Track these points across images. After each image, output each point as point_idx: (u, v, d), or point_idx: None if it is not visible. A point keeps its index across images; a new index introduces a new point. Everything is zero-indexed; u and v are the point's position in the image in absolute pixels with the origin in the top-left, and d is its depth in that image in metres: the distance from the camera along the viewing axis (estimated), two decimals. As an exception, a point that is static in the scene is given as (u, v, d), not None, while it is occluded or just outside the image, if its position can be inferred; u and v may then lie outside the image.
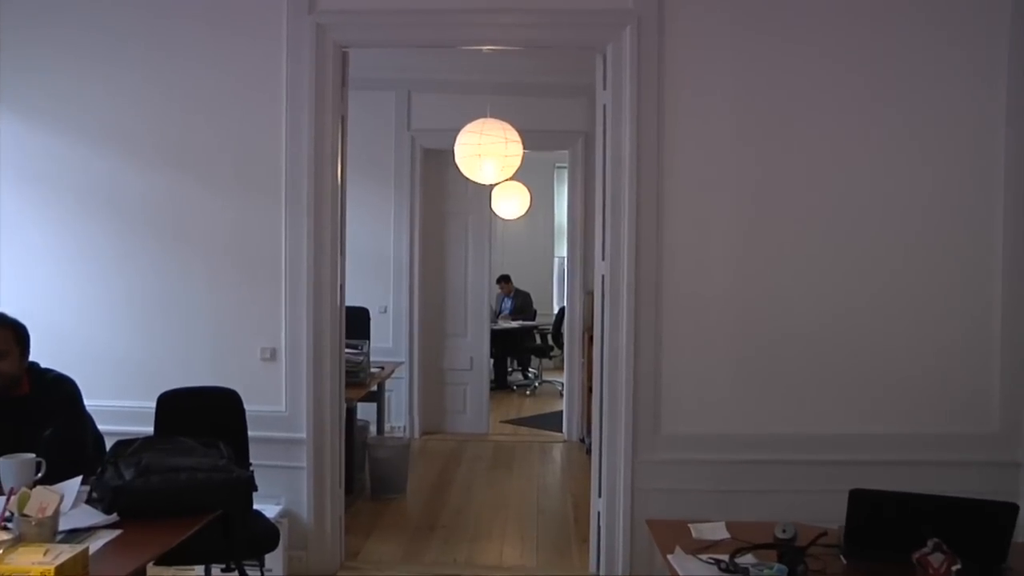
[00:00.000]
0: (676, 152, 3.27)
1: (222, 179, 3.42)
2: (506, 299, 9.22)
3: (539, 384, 8.67)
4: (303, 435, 3.41)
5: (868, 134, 3.25)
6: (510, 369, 9.28)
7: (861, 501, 1.95)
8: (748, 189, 3.27)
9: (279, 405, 3.41)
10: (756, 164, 3.26)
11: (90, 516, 2.04)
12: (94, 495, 2.13)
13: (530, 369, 9.26)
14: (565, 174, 6.51)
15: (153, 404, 2.96)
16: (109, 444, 2.45)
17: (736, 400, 3.30)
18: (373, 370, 4.74)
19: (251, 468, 2.67)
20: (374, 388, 4.78)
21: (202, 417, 2.88)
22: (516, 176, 5.44)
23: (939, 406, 3.25)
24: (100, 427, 2.68)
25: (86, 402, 2.58)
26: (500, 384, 8.49)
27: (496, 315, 8.94)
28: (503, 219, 8.49)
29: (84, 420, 2.53)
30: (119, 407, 3.31)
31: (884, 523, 1.93)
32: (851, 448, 3.26)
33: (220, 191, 3.42)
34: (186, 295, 3.45)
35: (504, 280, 9.09)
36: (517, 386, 8.65)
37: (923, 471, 3.14)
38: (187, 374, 3.30)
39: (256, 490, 2.44)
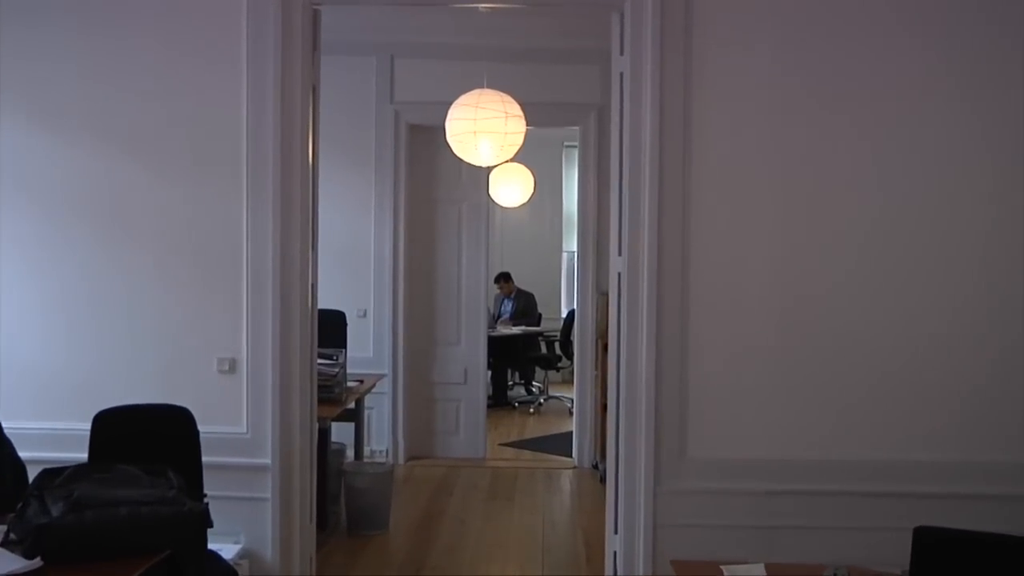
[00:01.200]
0: (706, 128, 3.26)
1: (172, 162, 3.41)
2: (506, 301, 9.22)
3: (544, 400, 8.67)
4: (267, 461, 3.40)
5: (939, 116, 3.24)
6: (511, 383, 9.28)
7: (928, 541, 1.92)
8: (793, 172, 3.26)
9: (239, 425, 3.40)
10: (803, 143, 3.25)
11: (7, 562, 2.00)
12: (12, 536, 2.10)
13: (534, 383, 9.26)
14: (575, 155, 6.49)
15: (88, 426, 2.94)
16: (33, 474, 2.41)
17: (777, 420, 3.28)
18: (350, 384, 4.73)
19: (205, 500, 2.65)
20: (351, 405, 4.77)
21: (147, 440, 2.86)
22: (518, 157, 5.42)
23: (1022, 432, 3.23)
24: (22, 454, 2.65)
25: (4, 424, 2.55)
26: (499, 400, 8.49)
27: (495, 319, 8.95)
28: (502, 207, 8.50)
29: (1, 446, 2.49)
30: (45, 430, 3.29)
31: (956, 568, 1.90)
32: (915, 478, 3.24)
33: (169, 176, 3.41)
34: (128, 297, 3.44)
35: (504, 279, 9.08)
36: (519, 403, 8.66)
37: (1002, 506, 3.12)
38: (129, 389, 3.29)
39: (211, 526, 2.42)
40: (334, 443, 4.70)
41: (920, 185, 3.24)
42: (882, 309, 3.26)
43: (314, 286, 3.56)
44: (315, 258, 3.58)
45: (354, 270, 5.93)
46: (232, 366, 3.40)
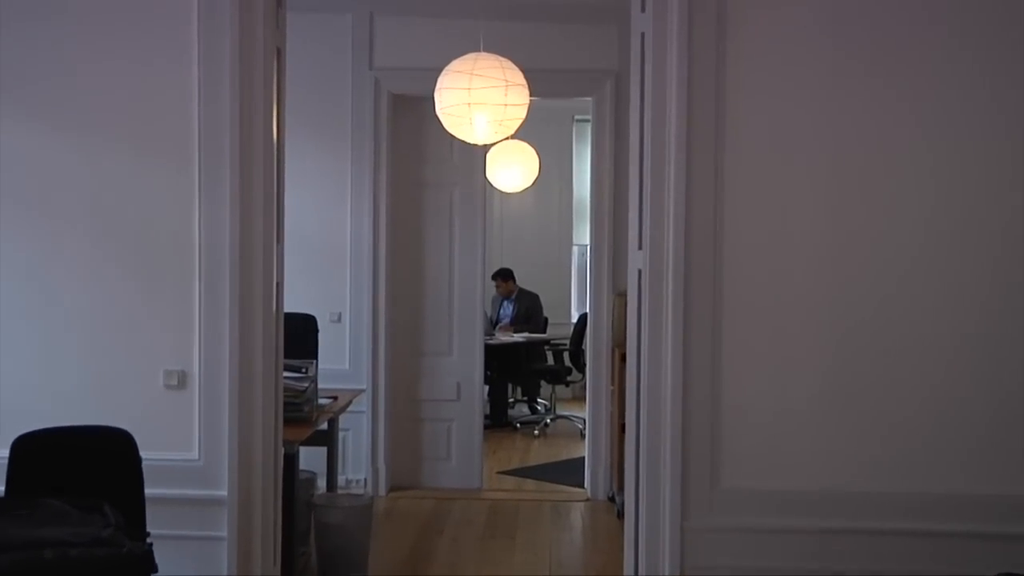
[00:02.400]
0: (742, 98, 3.25)
1: (106, 139, 3.40)
2: (506, 303, 9.21)
3: (552, 420, 8.67)
4: (223, 493, 3.40)
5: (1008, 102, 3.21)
6: (512, 399, 9.28)
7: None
8: (844, 155, 3.26)
9: (189, 451, 3.40)
10: (856, 120, 3.24)
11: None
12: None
13: (539, 400, 9.25)
14: (588, 131, 6.47)
15: (6, 452, 2.91)
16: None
17: (830, 443, 3.28)
18: (322, 401, 4.70)
19: (148, 540, 2.64)
20: (323, 426, 4.74)
21: (78, 469, 2.84)
22: (520, 134, 5.39)
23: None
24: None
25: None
26: (498, 420, 8.48)
27: (493, 325, 8.94)
28: (502, 193, 8.48)
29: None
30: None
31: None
32: (995, 516, 3.23)
33: (103, 155, 3.40)
34: (55, 299, 3.43)
35: (503, 277, 9.08)
36: (521, 423, 8.65)
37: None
38: (56, 409, 3.28)
39: (155, 571, 2.39)
40: (303, 471, 4.67)
41: (986, 179, 3.24)
42: (957, 320, 3.25)
43: (279, 285, 3.55)
44: (281, 252, 3.57)
45: (327, 267, 5.91)
46: (181, 380, 3.39)
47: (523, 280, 9.23)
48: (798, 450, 3.28)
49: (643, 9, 3.35)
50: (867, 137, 3.25)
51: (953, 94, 3.24)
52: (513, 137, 5.66)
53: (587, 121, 6.48)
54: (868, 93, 3.23)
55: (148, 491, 3.00)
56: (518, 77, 4.62)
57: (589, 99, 6.08)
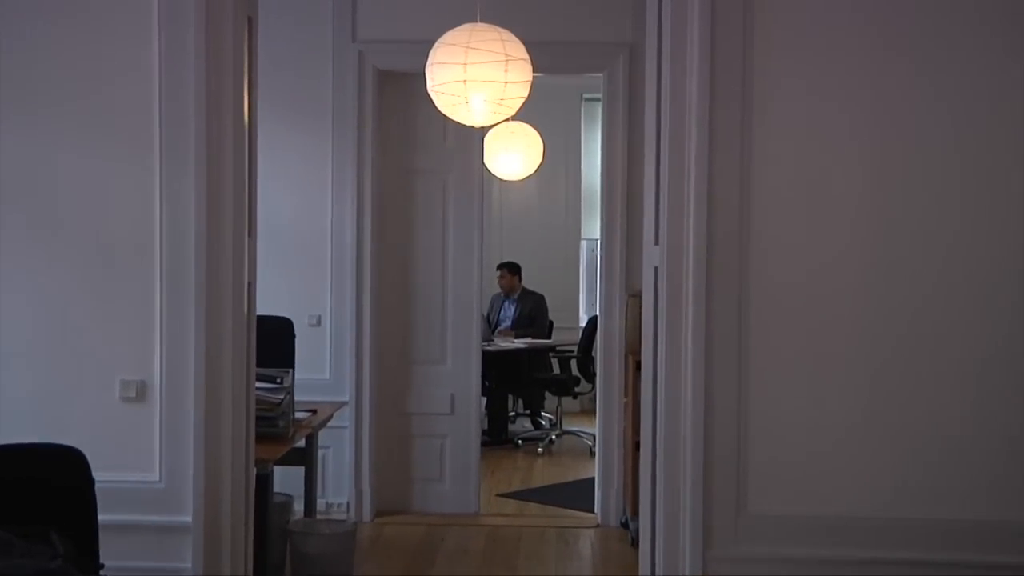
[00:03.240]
0: (773, 74, 3.25)
1: (54, 119, 3.40)
2: (507, 303, 9.20)
3: (557, 437, 8.66)
4: (187, 519, 3.40)
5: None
6: (513, 413, 9.26)
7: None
8: (889, 137, 3.25)
9: (150, 472, 3.41)
10: (899, 103, 3.24)
11: None
12: None
13: (543, 413, 9.23)
14: (598, 111, 6.45)
15: (-56, 472, 2.90)
16: None
17: (867, 464, 3.27)
18: (299, 415, 4.70)
19: (103, 572, 2.61)
20: (301, 444, 4.73)
21: (22, 493, 2.82)
22: (522, 115, 5.37)
23: None
24: None
25: None
26: (497, 436, 8.48)
27: (492, 328, 8.93)
28: (502, 181, 8.46)
29: None
30: None
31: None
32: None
33: (50, 138, 3.40)
34: None
35: (510, 270, 9.05)
36: (523, 440, 8.64)
37: None
38: None
39: (109, 608, 2.38)
40: (278, 494, 4.67)
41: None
42: (997, 324, 3.25)
43: (251, 285, 3.55)
44: (253, 247, 3.56)
45: (305, 264, 5.91)
46: (140, 392, 3.39)
47: (526, 279, 9.22)
48: (834, 471, 3.27)
49: (660, -27, 3.35)
50: (913, 116, 3.24)
51: (991, 85, 3.23)
52: (514, 119, 5.64)
53: (597, 100, 6.46)
54: (918, 66, 3.23)
55: (102, 517, 2.98)
56: (520, 51, 4.60)
57: (599, 75, 6.06)
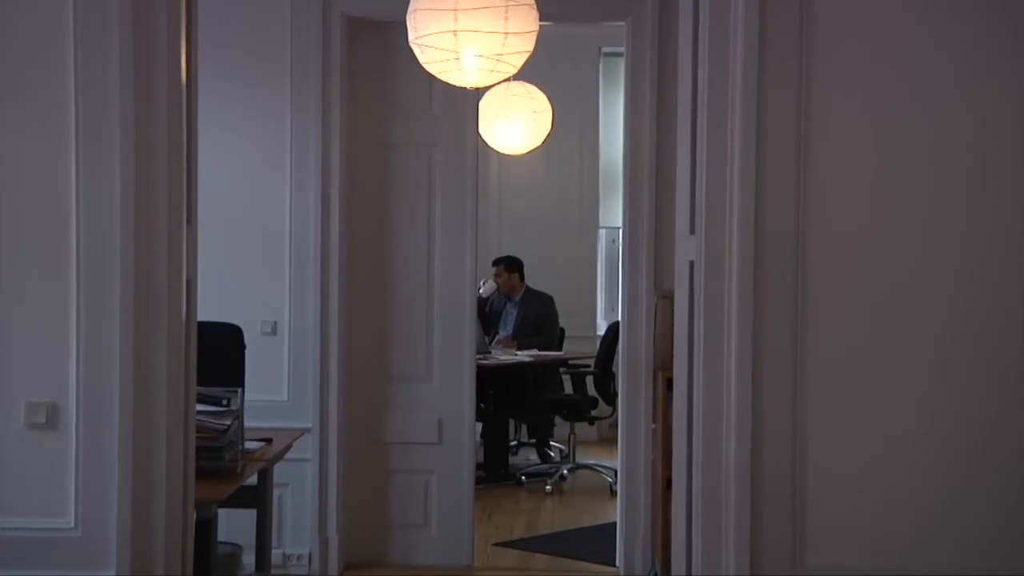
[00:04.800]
0: (835, 23, 3.24)
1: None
2: (508, 305, 9.21)
3: (570, 472, 8.65)
4: (111, 573, 3.37)
5: None
6: (515, 442, 9.25)
7: None
8: (989, 104, 3.23)
9: (62, 516, 3.38)
10: (1002, 53, 3.23)
11: None
12: None
13: (553, 443, 9.23)
14: (620, 69, 6.45)
15: None
16: None
17: (952, 506, 3.24)
18: (250, 445, 4.69)
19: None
20: (252, 480, 4.72)
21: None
22: (525, 73, 5.36)
23: None
24: None
25: None
26: (495, 472, 8.47)
27: (490, 337, 8.91)
28: (501, 155, 8.46)
29: None
30: None
31: None
32: None
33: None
34: None
35: (508, 266, 9.05)
36: (528, 475, 8.64)
37: None
38: None
39: None
40: (223, 544, 4.66)
41: None
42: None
43: (191, 284, 3.56)
44: (193, 238, 3.56)
45: (258, 258, 5.93)
46: (51, 417, 3.37)
47: (531, 277, 9.22)
48: (912, 514, 3.27)
49: (696, -102, 3.35)
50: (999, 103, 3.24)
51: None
52: (516, 79, 5.63)
53: (619, 55, 6.46)
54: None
55: (2, 573, 2.98)
56: (522, -6, 4.60)
57: (622, 24, 6.07)
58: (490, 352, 8.53)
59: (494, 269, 9.03)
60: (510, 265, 9.05)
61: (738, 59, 3.25)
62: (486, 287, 8.83)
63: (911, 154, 3.26)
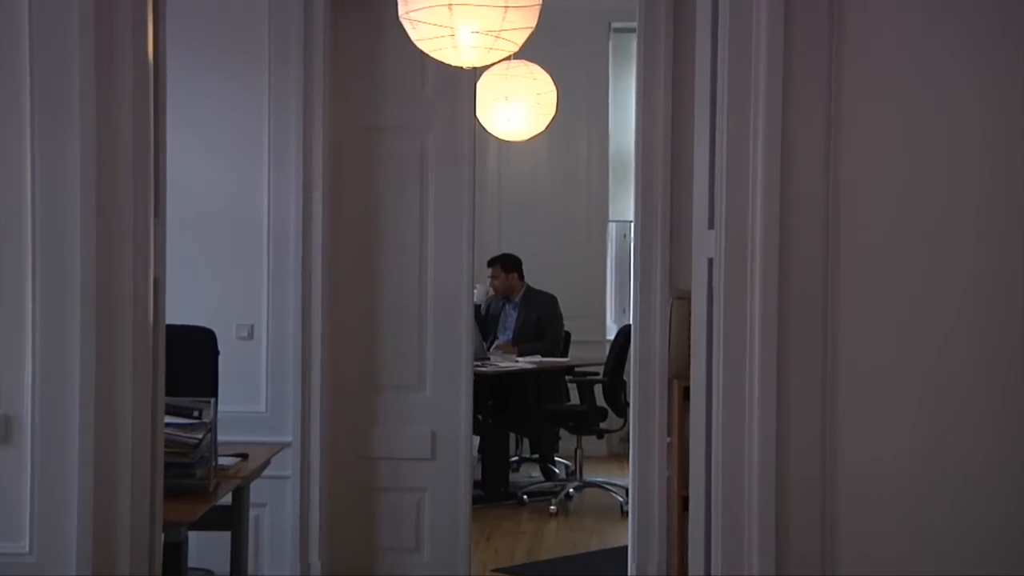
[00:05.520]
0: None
1: None
2: (507, 306, 9.20)
3: (576, 490, 8.64)
4: (71, 603, 3.37)
5: None
6: (516, 457, 9.25)
7: None
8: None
9: (17, 540, 3.37)
10: None
11: None
12: None
13: (558, 458, 9.22)
14: (632, 47, 6.44)
15: None
16: None
17: (1006, 520, 3.24)
18: (224, 462, 4.70)
19: None
20: (226, 500, 4.72)
21: None
22: (527, 52, 5.36)
23: None
24: None
25: None
26: (494, 489, 8.47)
27: (488, 343, 8.91)
28: (500, 141, 8.45)
29: None
30: None
31: None
32: None
33: None
34: None
35: (505, 265, 9.05)
36: (530, 494, 8.64)
37: None
38: None
39: None
40: (194, 570, 4.66)
41: None
42: None
43: (159, 283, 3.55)
44: (161, 233, 3.57)
45: (233, 256, 5.94)
46: (5, 430, 3.36)
47: (534, 275, 9.22)
48: (954, 533, 3.25)
49: None
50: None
51: None
52: (517, 57, 5.63)
53: (631, 32, 6.46)
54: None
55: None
56: (524, -36, 4.59)
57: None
58: (488, 358, 8.52)
59: (489, 271, 9.01)
60: (507, 264, 9.03)
61: (762, 35, 3.24)
62: (477, 292, 8.81)
63: (948, 146, 3.25)
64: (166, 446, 3.74)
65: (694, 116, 3.73)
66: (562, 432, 9.06)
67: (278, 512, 5.95)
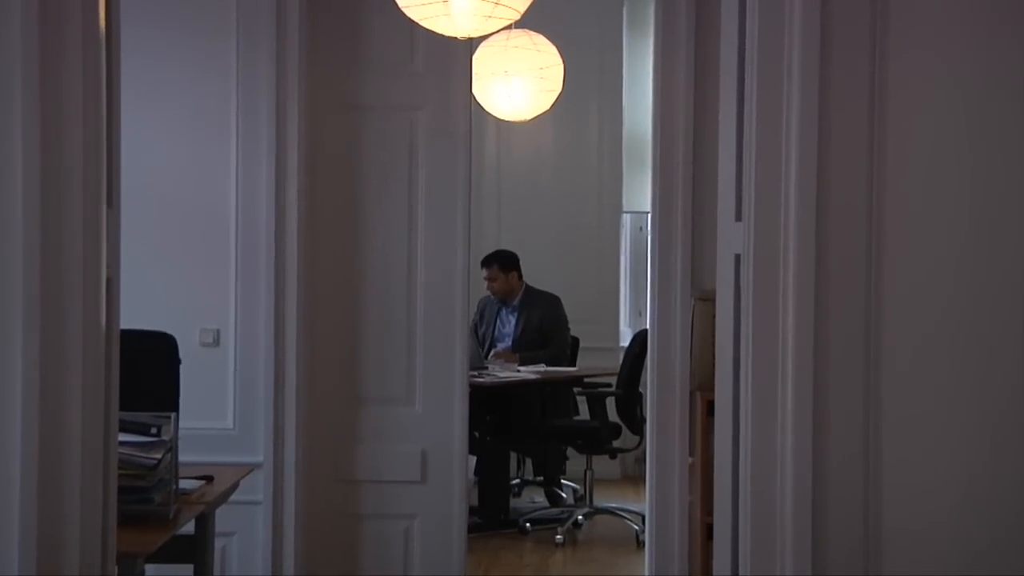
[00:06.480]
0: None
1: None
2: (503, 311, 9.20)
3: (586, 517, 8.64)
4: (12, 646, 3.37)
5: None
6: (518, 479, 9.26)
7: None
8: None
9: (-46, 573, 3.36)
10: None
11: None
12: None
13: (565, 481, 9.22)
14: (648, 15, 6.44)
15: None
16: None
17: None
18: (185, 485, 4.70)
19: None
20: (188, 529, 4.72)
21: None
22: (529, 20, 5.36)
23: None
24: None
25: None
26: (493, 516, 8.48)
27: (485, 350, 8.91)
28: (500, 122, 8.46)
29: None
30: None
31: None
32: None
33: None
34: None
35: (502, 264, 9.06)
36: (534, 521, 8.67)
37: None
38: None
39: None
40: (153, 606, 4.66)
41: None
42: None
43: (112, 283, 3.55)
44: (115, 226, 3.57)
45: (197, 251, 5.96)
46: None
47: (537, 274, 9.23)
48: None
49: None
50: None
51: None
52: (519, 25, 5.62)
53: (646, 1, 6.46)
54: None
55: None
56: (527, -79, 4.60)
57: (650, -38, 6.08)
58: (486, 368, 8.53)
59: (485, 271, 8.98)
60: (505, 263, 9.02)
61: (795, 4, 3.25)
62: None
63: (1004, 133, 3.26)
64: (120, 468, 3.72)
65: (719, 92, 3.73)
66: (570, 451, 9.07)
67: (247, 542, 5.96)
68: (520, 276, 9.08)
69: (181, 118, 5.87)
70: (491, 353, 8.95)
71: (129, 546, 3.90)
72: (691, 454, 5.88)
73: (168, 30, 5.76)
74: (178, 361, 5.21)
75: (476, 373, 7.70)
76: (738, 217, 3.42)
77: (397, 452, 6.24)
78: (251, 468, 5.57)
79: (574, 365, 9.20)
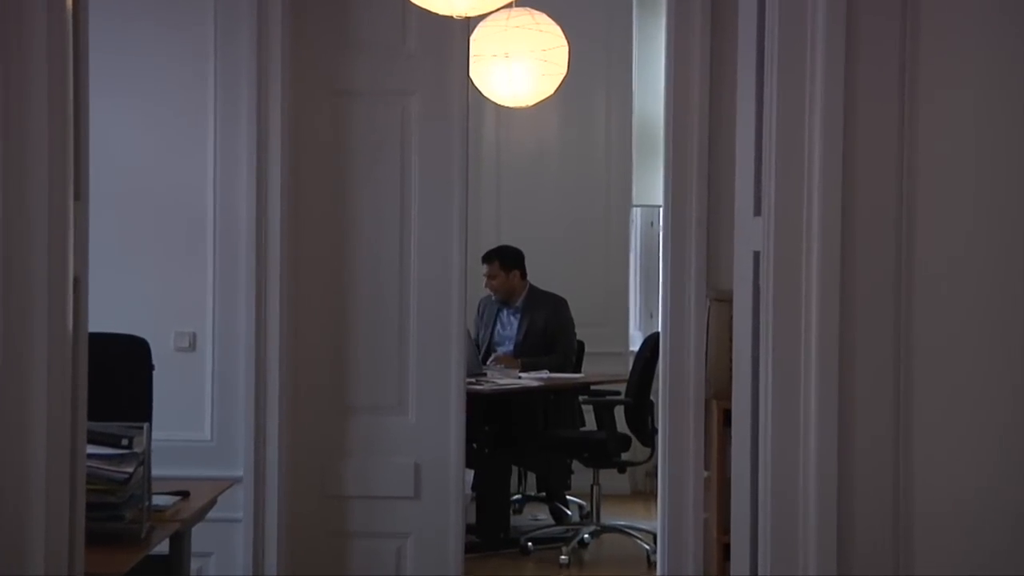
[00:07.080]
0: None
1: None
2: (504, 312, 9.20)
3: (593, 535, 8.65)
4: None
5: None
6: (519, 494, 9.26)
7: None
8: None
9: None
10: None
11: None
12: None
13: (570, 497, 9.23)
14: (660, -7, 6.46)
15: None
16: None
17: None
18: (159, 502, 4.71)
19: None
20: (162, 548, 4.73)
21: None
22: (532, -3, 5.36)
23: None
24: None
25: None
26: (492, 535, 8.48)
27: (483, 355, 8.92)
28: (499, 108, 8.46)
29: None
30: None
31: None
32: None
33: None
34: None
35: (504, 262, 9.06)
36: (536, 540, 8.68)
37: None
38: None
39: None
40: (125, 632, 4.66)
41: None
42: None
43: (80, 282, 3.54)
44: (83, 221, 3.56)
45: (172, 249, 5.97)
46: None
47: (540, 273, 9.24)
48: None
49: None
50: None
51: None
52: (520, 4, 5.62)
53: (658, -25, 6.47)
54: None
55: None
56: None
57: (661, -63, 6.09)
58: (485, 374, 8.53)
59: (485, 268, 8.99)
60: (507, 261, 9.02)
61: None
62: None
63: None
64: (89, 482, 3.73)
65: (737, 79, 3.74)
66: (575, 465, 9.07)
67: (226, 562, 5.97)
68: (523, 276, 9.07)
69: (155, 104, 5.87)
70: (490, 358, 8.95)
71: (98, 567, 3.90)
72: (706, 468, 5.89)
73: (138, 8, 5.76)
74: (151, 367, 5.21)
75: (474, 380, 7.70)
76: (757, 212, 3.42)
77: (388, 465, 6.25)
78: (230, 483, 5.57)
79: (580, 371, 9.20)
